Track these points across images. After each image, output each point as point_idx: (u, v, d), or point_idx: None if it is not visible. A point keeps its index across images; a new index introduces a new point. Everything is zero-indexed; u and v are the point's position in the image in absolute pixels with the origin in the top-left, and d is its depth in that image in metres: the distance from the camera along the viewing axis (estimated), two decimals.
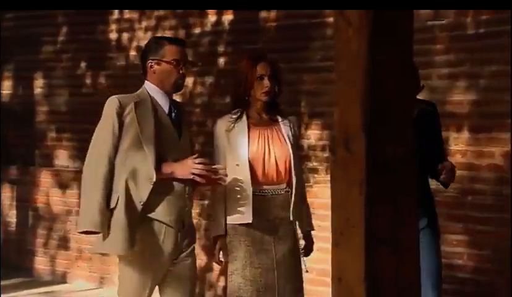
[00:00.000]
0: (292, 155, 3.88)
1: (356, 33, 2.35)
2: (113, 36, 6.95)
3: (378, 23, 2.36)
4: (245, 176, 3.82)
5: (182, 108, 3.96)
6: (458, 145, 5.12)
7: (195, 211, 4.63)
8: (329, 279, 2.49)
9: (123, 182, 3.62)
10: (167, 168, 3.70)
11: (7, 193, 7.45)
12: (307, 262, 4.01)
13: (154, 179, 3.63)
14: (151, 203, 3.66)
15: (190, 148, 3.88)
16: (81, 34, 7.10)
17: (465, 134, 5.02)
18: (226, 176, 3.80)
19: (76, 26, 7.12)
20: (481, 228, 4.88)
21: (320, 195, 5.55)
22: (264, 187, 3.87)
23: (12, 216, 7.42)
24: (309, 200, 4.21)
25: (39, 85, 7.39)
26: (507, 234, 4.86)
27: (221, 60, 6.31)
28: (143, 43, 6.71)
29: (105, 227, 3.61)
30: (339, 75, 2.46)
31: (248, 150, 3.86)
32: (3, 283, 6.47)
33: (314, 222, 4.16)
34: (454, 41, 5.12)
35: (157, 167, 3.66)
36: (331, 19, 5.21)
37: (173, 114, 3.81)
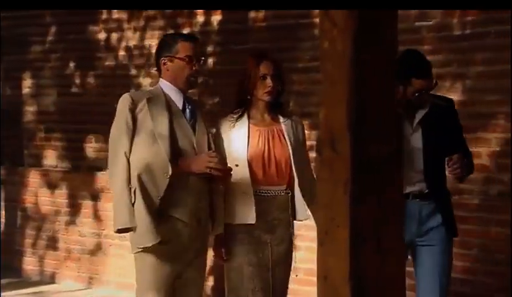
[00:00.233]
0: (292, 156, 3.86)
1: (341, 33, 2.37)
2: (102, 36, 6.94)
3: (363, 23, 2.37)
4: (244, 176, 3.80)
5: (197, 105, 3.97)
6: None
7: None
8: (315, 279, 2.49)
9: (136, 176, 3.66)
10: (183, 163, 3.71)
11: None
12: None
13: (170, 173, 3.65)
14: (168, 198, 3.67)
15: (207, 144, 3.86)
16: (70, 34, 7.09)
17: None
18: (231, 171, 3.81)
19: (65, 26, 7.11)
20: (468, 227, 4.90)
21: None
22: (264, 187, 3.85)
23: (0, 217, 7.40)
24: None
25: (27, 85, 7.37)
26: (495, 234, 4.89)
27: (210, 61, 6.32)
28: (131, 43, 6.79)
29: (133, 221, 3.65)
30: (324, 75, 2.47)
31: (247, 150, 3.84)
32: None
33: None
34: (441, 41, 5.15)
35: (173, 162, 3.67)
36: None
37: (187, 110, 3.82)
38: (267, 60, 3.89)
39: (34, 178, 7.22)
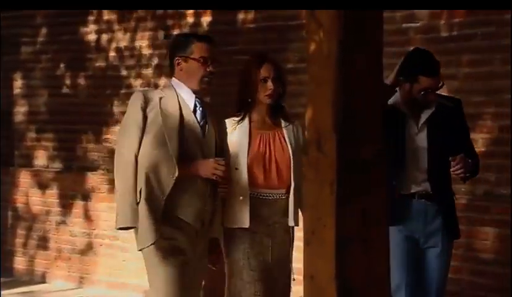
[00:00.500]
0: (292, 160, 3.82)
1: (327, 35, 2.37)
2: (92, 37, 6.93)
3: (349, 25, 2.38)
4: (243, 180, 3.76)
5: (209, 106, 3.90)
6: None
7: None
8: (302, 278, 2.50)
9: (143, 176, 3.63)
10: (190, 165, 3.68)
11: None
12: None
13: (176, 175, 3.62)
14: (173, 199, 3.65)
15: (215, 146, 3.82)
16: (61, 35, 7.07)
17: None
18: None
19: (56, 27, 7.09)
20: None
21: None
22: (265, 190, 3.80)
23: None
24: None
25: (18, 85, 7.35)
26: (481, 234, 4.90)
27: None
28: (122, 44, 6.78)
29: (136, 221, 3.64)
30: (311, 76, 2.48)
31: (247, 154, 3.80)
32: None
33: None
34: (428, 43, 5.15)
35: (180, 164, 3.64)
36: None
37: (198, 112, 3.77)
38: (268, 62, 3.84)
39: (25, 178, 7.20)
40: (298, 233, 4.85)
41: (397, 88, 3.94)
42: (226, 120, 3.92)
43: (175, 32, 6.42)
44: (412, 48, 5.20)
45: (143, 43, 6.63)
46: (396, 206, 3.80)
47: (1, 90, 7.37)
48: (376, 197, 2.48)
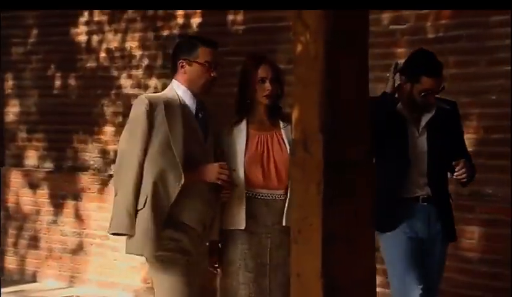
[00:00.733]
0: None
1: (313, 36, 2.38)
2: (83, 38, 6.92)
3: (335, 26, 2.39)
4: (240, 181, 3.74)
5: (208, 110, 3.82)
6: None
7: None
8: None
9: (151, 184, 3.56)
10: (195, 171, 3.63)
11: None
12: None
13: (182, 182, 3.57)
14: (177, 204, 3.60)
15: (215, 150, 3.79)
16: (51, 36, 7.06)
17: None
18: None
19: (46, 28, 7.08)
20: None
21: None
22: (264, 191, 3.77)
23: None
24: None
25: (9, 86, 7.33)
26: (467, 233, 4.93)
27: None
28: (112, 45, 6.78)
29: (132, 229, 3.57)
30: (297, 77, 2.49)
31: (245, 155, 3.77)
32: None
33: None
34: (415, 44, 5.17)
35: (185, 170, 3.59)
36: None
37: (200, 115, 3.73)
38: (266, 63, 3.82)
39: (16, 178, 7.18)
40: None
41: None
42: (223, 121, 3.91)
43: (165, 33, 6.43)
44: (399, 50, 5.26)
45: (133, 44, 6.63)
46: (400, 209, 3.83)
47: None
48: (363, 197, 2.50)
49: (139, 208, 3.58)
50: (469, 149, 4.92)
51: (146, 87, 6.57)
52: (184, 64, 3.69)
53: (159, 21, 6.47)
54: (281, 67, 5.78)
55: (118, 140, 6.55)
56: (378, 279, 4.78)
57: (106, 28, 6.79)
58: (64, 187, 6.89)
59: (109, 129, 6.76)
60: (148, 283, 6.41)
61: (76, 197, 6.83)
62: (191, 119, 3.69)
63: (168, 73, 6.35)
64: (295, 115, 2.49)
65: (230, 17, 6.10)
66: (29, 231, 7.08)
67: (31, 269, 7.06)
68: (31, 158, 7.19)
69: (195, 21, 6.29)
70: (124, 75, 6.70)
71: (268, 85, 3.79)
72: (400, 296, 3.86)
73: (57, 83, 7.08)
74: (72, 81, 7.00)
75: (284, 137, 3.82)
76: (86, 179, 6.79)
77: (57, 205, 6.93)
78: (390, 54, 5.27)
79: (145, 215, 3.56)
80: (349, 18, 2.42)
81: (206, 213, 3.71)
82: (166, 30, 6.44)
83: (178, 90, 3.71)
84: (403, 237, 3.84)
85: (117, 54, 6.74)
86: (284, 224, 3.76)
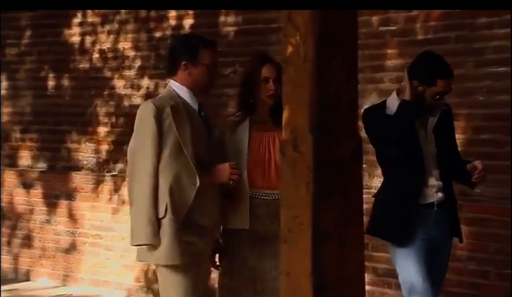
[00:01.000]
0: None
1: (303, 37, 2.38)
2: (76, 39, 6.91)
3: (325, 28, 2.38)
4: (243, 181, 3.72)
5: (206, 107, 3.80)
6: None
7: None
8: None
9: (168, 190, 3.51)
10: (207, 173, 3.60)
11: None
12: None
13: (198, 185, 3.53)
14: (194, 208, 3.56)
15: (217, 150, 3.77)
16: (45, 37, 7.05)
17: None
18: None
19: (40, 29, 7.07)
20: None
21: None
22: (265, 191, 3.76)
23: None
24: None
25: (3, 86, 7.31)
26: None
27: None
28: (105, 46, 6.76)
29: (157, 238, 3.50)
30: (287, 78, 2.49)
31: (247, 155, 3.76)
32: None
33: None
34: (404, 46, 5.19)
35: (198, 172, 3.55)
36: None
37: (202, 114, 3.69)
38: (269, 63, 3.80)
39: (9, 178, 7.16)
40: None
41: (396, 93, 3.87)
42: (225, 120, 3.88)
43: (158, 35, 6.42)
44: (388, 51, 5.27)
45: (126, 45, 6.63)
46: (418, 218, 3.79)
47: None
48: (352, 197, 2.50)
49: (160, 216, 3.50)
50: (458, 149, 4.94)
51: (139, 88, 6.56)
52: (189, 65, 3.62)
53: (151, 22, 6.47)
54: None
55: (111, 140, 6.66)
56: (367, 277, 4.80)
57: (99, 29, 6.78)
58: (57, 187, 6.88)
59: (102, 129, 6.75)
60: (141, 281, 6.40)
61: (70, 196, 6.81)
62: (196, 120, 3.64)
63: (161, 74, 6.40)
64: (285, 115, 2.49)
65: (222, 19, 6.10)
66: (23, 230, 7.06)
67: (25, 268, 7.04)
68: (25, 158, 7.18)
69: (188, 22, 6.29)
70: (117, 75, 6.69)
71: (271, 84, 3.76)
72: None
73: (51, 83, 7.06)
74: (65, 82, 6.98)
75: None
76: (79, 179, 6.78)
77: (51, 204, 6.91)
78: (379, 55, 5.28)
79: (167, 223, 3.49)
80: (339, 20, 2.42)
81: (216, 212, 3.69)
82: (158, 31, 6.44)
83: (180, 91, 3.64)
84: (419, 246, 3.79)
85: (110, 55, 6.73)
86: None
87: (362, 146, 2.59)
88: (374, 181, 5.30)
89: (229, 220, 3.79)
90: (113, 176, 6.61)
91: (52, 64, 7.02)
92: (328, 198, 2.42)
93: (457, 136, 4.94)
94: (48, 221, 6.92)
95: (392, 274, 5.05)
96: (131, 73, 6.60)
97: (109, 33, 6.72)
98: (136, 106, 6.63)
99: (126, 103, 6.63)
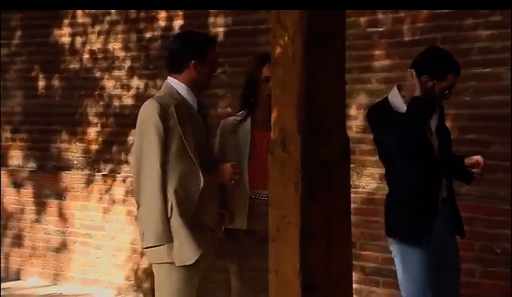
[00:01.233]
0: None
1: (291, 38, 2.39)
2: (66, 39, 6.89)
3: (313, 29, 2.39)
4: (244, 181, 3.72)
5: (204, 105, 3.74)
6: None
7: None
8: None
9: (173, 190, 3.44)
10: (211, 173, 3.54)
11: None
12: None
13: (202, 185, 3.47)
14: (198, 207, 3.51)
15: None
16: (35, 37, 7.02)
17: None
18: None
19: (30, 29, 7.04)
20: None
21: None
22: (266, 192, 3.68)
23: None
24: None
25: None
26: None
27: None
28: (95, 47, 6.75)
29: (169, 239, 3.43)
30: (276, 79, 2.50)
31: (249, 154, 3.74)
32: None
33: None
34: (392, 47, 5.20)
35: (202, 172, 3.50)
36: None
37: (201, 112, 3.63)
38: (270, 62, 3.81)
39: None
40: None
41: (397, 90, 3.82)
42: (226, 120, 3.86)
43: (148, 35, 6.41)
44: (376, 52, 5.28)
45: (116, 46, 6.61)
46: (426, 217, 3.71)
47: None
48: (340, 196, 2.50)
49: (168, 216, 3.44)
50: None
51: (128, 88, 6.55)
52: (197, 63, 3.54)
53: (141, 23, 6.46)
54: None
55: (101, 140, 6.64)
56: (355, 275, 4.81)
57: (89, 29, 6.76)
58: (47, 186, 6.86)
59: (92, 129, 6.73)
60: (131, 280, 6.39)
61: (60, 196, 6.79)
62: (197, 119, 3.58)
63: (151, 74, 6.39)
64: (273, 115, 2.49)
65: (212, 20, 6.10)
66: (14, 230, 7.03)
67: (15, 267, 7.01)
68: (15, 158, 7.15)
69: (177, 23, 6.28)
70: (107, 76, 6.67)
71: (271, 84, 3.76)
72: None
73: (41, 84, 7.04)
74: (55, 82, 6.96)
75: None
76: (69, 179, 6.76)
77: (41, 203, 6.89)
78: (367, 56, 5.29)
79: (175, 223, 3.43)
80: (327, 21, 2.43)
81: (216, 212, 3.66)
82: (148, 32, 6.42)
83: (180, 89, 3.57)
84: (425, 249, 3.72)
85: (100, 55, 6.71)
86: None
87: (349, 146, 2.59)
88: (362, 181, 5.32)
89: (229, 219, 3.78)
90: (103, 175, 6.60)
91: (43, 64, 7.00)
92: (315, 198, 2.43)
93: None
94: (38, 221, 6.90)
95: (380, 272, 5.08)
96: (121, 73, 6.58)
97: (99, 33, 6.71)
98: (127, 106, 6.70)
99: (116, 103, 6.62)
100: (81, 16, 6.79)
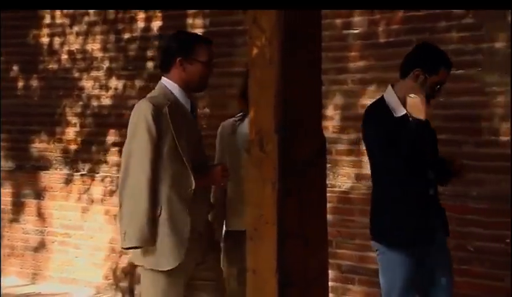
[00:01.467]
0: None
1: (268, 40, 2.38)
2: (45, 40, 6.84)
3: (289, 30, 2.39)
4: (242, 183, 3.65)
5: (196, 106, 3.64)
6: None
7: None
8: None
9: (165, 192, 3.34)
10: (202, 176, 3.43)
11: None
12: None
13: (193, 187, 3.36)
14: (188, 210, 3.40)
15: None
16: (14, 38, 6.96)
17: None
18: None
19: (9, 29, 6.98)
20: None
21: None
22: None
23: None
24: None
25: None
26: None
27: (150, 64, 6.28)
28: (74, 47, 6.70)
29: (153, 242, 3.33)
30: (253, 80, 2.49)
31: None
32: None
33: None
34: (367, 48, 5.22)
35: (194, 175, 3.39)
36: None
37: (194, 114, 3.54)
38: None
39: None
40: None
41: (391, 89, 3.78)
42: (226, 121, 3.81)
43: (126, 36, 6.38)
44: (352, 53, 5.29)
45: (94, 46, 6.57)
46: (416, 218, 3.66)
47: None
48: (316, 195, 2.50)
49: (155, 219, 3.33)
50: None
51: (107, 88, 6.52)
52: (184, 62, 3.46)
53: (120, 24, 6.43)
54: (238, 69, 5.82)
55: (80, 140, 6.59)
56: (331, 273, 4.81)
57: (68, 30, 6.72)
58: (26, 186, 6.80)
59: (71, 129, 6.69)
60: (110, 279, 6.36)
61: (39, 195, 6.74)
62: (190, 120, 3.49)
63: (129, 75, 6.36)
64: (251, 116, 2.48)
65: (190, 21, 6.08)
66: None
67: None
68: None
69: (156, 24, 6.26)
70: (85, 76, 6.63)
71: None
72: None
73: (20, 84, 6.98)
74: (34, 83, 6.91)
75: None
76: (48, 178, 6.71)
77: (20, 203, 6.83)
78: (343, 57, 5.31)
79: (163, 226, 3.34)
80: (303, 21, 2.43)
81: (206, 215, 3.56)
82: (126, 32, 6.40)
83: (173, 89, 3.48)
84: (410, 253, 3.68)
85: (78, 56, 6.67)
86: None
87: (326, 146, 2.60)
88: (338, 180, 5.33)
89: (229, 222, 3.74)
90: (82, 175, 6.56)
91: (21, 64, 6.94)
92: (292, 197, 2.43)
93: None
94: (17, 220, 6.84)
95: (356, 270, 5.09)
96: (99, 74, 6.55)
97: (77, 34, 6.66)
98: (105, 107, 6.67)
99: (95, 103, 6.58)
100: (59, 16, 6.75)
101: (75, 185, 6.55)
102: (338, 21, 5.28)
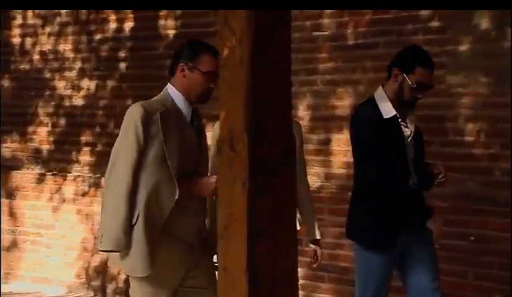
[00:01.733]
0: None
1: (239, 41, 2.37)
2: (17, 40, 6.76)
3: (259, 32, 2.38)
4: None
5: (200, 115, 3.51)
6: (340, 145, 5.23)
7: None
8: None
9: (144, 198, 3.24)
10: (189, 186, 3.31)
11: None
12: None
13: (176, 197, 3.26)
14: (171, 220, 3.28)
15: (207, 160, 3.50)
16: None
17: (345, 135, 5.12)
18: None
19: None
20: None
21: None
22: None
23: None
24: None
25: None
26: None
27: (122, 65, 6.24)
28: (46, 48, 6.63)
29: (128, 246, 3.24)
30: (224, 80, 2.47)
31: None
32: None
33: None
34: (336, 50, 5.24)
35: (179, 184, 3.26)
36: None
37: (195, 123, 3.40)
38: None
39: None
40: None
41: (382, 89, 3.77)
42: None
43: (98, 37, 6.32)
44: (322, 55, 5.31)
45: (66, 47, 6.51)
46: (397, 225, 3.64)
47: None
48: (286, 195, 2.50)
49: (132, 223, 3.24)
50: None
51: (79, 89, 6.46)
52: (185, 68, 3.34)
53: (92, 25, 6.37)
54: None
55: (52, 140, 6.52)
56: (300, 271, 4.82)
57: (40, 30, 6.65)
58: None
59: (43, 129, 6.62)
60: (82, 278, 6.30)
61: (10, 195, 6.66)
62: (186, 129, 3.36)
63: (101, 75, 6.31)
64: (222, 116, 2.47)
65: (162, 22, 6.05)
66: None
67: None
68: None
69: (128, 25, 6.22)
70: (58, 76, 6.57)
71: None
72: None
73: None
74: (5, 83, 6.82)
75: None
76: (20, 178, 6.63)
77: None
78: (312, 59, 5.32)
79: (138, 232, 3.23)
80: (273, 22, 2.42)
81: (198, 224, 3.43)
82: (98, 33, 6.34)
83: (174, 96, 3.37)
84: (387, 254, 3.67)
85: (50, 56, 6.60)
86: None
87: (295, 145, 2.59)
88: (308, 179, 5.33)
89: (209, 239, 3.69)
90: (54, 175, 6.49)
91: None
92: (262, 196, 2.42)
93: None
94: None
95: (325, 268, 5.10)
96: (71, 74, 6.49)
97: (49, 34, 6.60)
98: (77, 107, 6.60)
99: (67, 104, 6.52)
100: (31, 17, 6.68)
101: (46, 184, 6.48)
102: (308, 23, 5.29)
